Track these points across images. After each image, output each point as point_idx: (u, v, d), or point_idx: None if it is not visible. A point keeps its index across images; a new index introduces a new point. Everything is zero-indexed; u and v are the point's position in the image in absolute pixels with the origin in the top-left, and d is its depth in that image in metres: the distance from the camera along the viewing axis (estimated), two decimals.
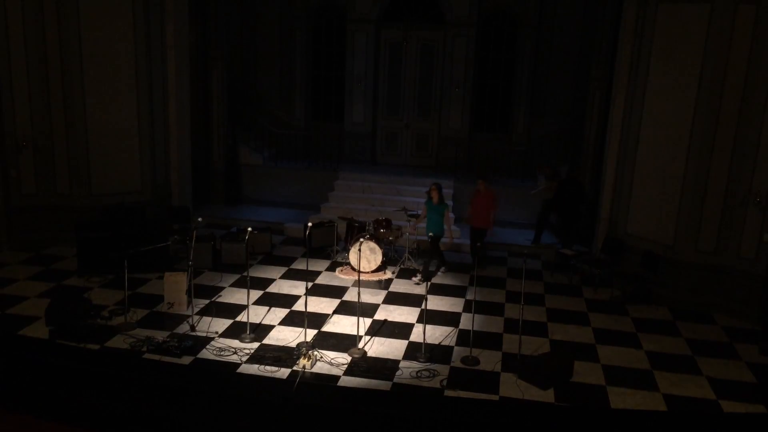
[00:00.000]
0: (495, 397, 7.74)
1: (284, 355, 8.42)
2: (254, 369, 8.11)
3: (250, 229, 9.38)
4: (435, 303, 10.35)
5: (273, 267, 11.81)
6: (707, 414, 7.65)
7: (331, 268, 11.85)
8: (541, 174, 13.80)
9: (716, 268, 10.54)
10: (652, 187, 11.32)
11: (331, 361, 8.34)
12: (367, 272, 11.35)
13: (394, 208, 13.25)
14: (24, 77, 11.73)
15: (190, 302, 9.55)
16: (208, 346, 8.61)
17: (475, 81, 15.75)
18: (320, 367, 8.21)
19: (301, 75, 16.61)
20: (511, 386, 7.97)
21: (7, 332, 8.80)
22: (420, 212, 12.43)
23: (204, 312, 9.67)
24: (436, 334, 9.28)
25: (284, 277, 11.38)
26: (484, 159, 15.62)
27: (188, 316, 9.32)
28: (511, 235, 13.62)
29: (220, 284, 10.84)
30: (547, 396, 7.80)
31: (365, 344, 8.90)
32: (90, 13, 11.87)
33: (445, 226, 11.53)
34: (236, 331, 9.11)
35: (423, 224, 11.84)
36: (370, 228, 12.07)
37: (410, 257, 12.16)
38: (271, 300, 10.32)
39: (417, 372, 8.19)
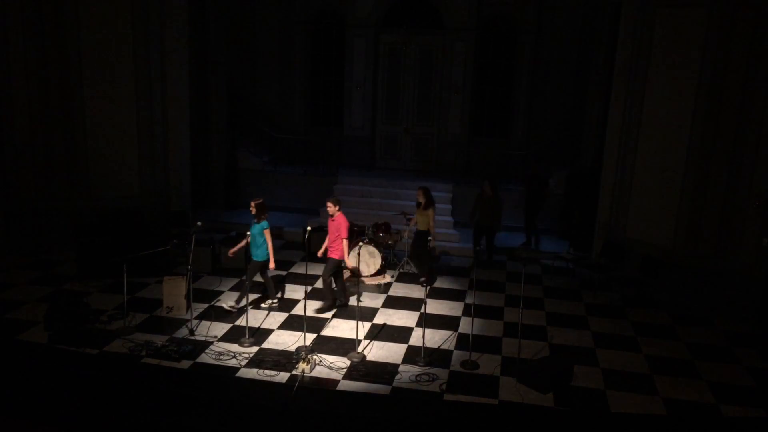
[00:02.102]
0: (494, 401, 7.72)
1: (283, 360, 8.40)
2: (253, 373, 8.10)
3: (249, 233, 9.36)
4: (434, 307, 10.33)
5: (272, 271, 11.79)
6: (707, 418, 7.64)
7: None
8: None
9: (715, 272, 10.53)
10: (651, 191, 11.32)
11: (331, 365, 8.33)
12: (367, 276, 11.35)
13: (393, 213, 13.26)
14: (23, 82, 11.74)
15: (189, 306, 9.53)
16: (207, 351, 8.59)
17: (474, 86, 15.78)
18: (319, 372, 8.20)
19: (300, 79, 16.64)
20: (511, 390, 7.95)
21: (6, 337, 8.78)
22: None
23: (203, 316, 9.66)
24: (435, 338, 9.27)
25: (283, 281, 11.37)
26: (483, 163, 15.65)
27: (187, 321, 9.31)
28: (511, 239, 13.61)
29: (219, 288, 10.83)
30: (547, 400, 7.78)
31: (364, 348, 8.88)
32: (89, 17, 11.90)
33: (269, 250, 9.67)
34: (235, 335, 9.10)
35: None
36: (370, 232, 12.07)
37: (409, 261, 12.15)
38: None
39: (416, 376, 8.18)
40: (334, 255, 9.85)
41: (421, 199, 11.20)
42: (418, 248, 11.43)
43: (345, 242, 9.76)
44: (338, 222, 9.79)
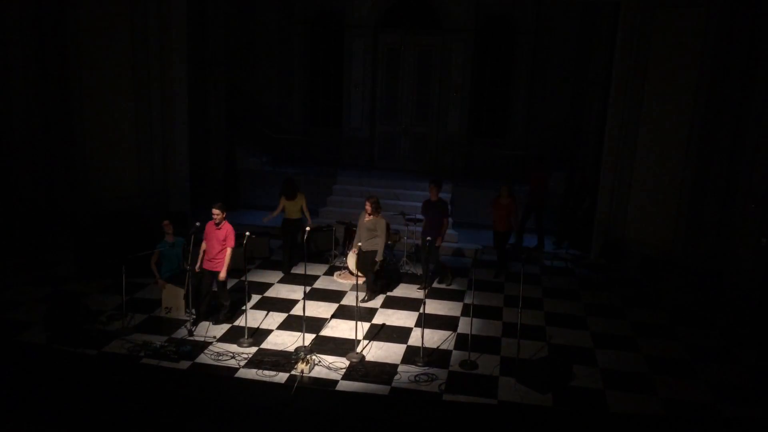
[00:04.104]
0: (493, 402, 7.72)
1: (282, 360, 8.40)
2: (252, 374, 8.09)
3: (248, 233, 9.35)
4: (433, 307, 10.33)
5: (271, 271, 11.79)
6: (705, 418, 7.64)
7: (330, 273, 11.84)
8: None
9: (714, 272, 10.54)
10: (650, 191, 11.34)
11: (330, 366, 8.33)
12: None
13: (392, 213, 13.24)
14: (21, 82, 11.73)
15: (188, 307, 9.51)
16: (205, 351, 8.59)
17: (473, 86, 15.78)
18: (318, 372, 8.19)
19: (299, 80, 16.64)
20: (510, 390, 7.95)
21: (5, 337, 8.77)
22: (419, 216, 12.44)
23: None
24: (434, 338, 9.27)
25: (282, 281, 11.37)
26: (481, 164, 15.65)
27: (186, 321, 9.30)
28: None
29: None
30: (546, 400, 7.78)
31: (363, 348, 8.88)
32: (88, 18, 11.90)
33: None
34: (234, 335, 9.09)
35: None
36: None
37: (408, 261, 12.15)
38: (269, 304, 10.30)
39: (415, 376, 8.17)
40: (219, 268, 9.17)
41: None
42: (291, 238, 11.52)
43: (230, 251, 9.11)
44: (225, 230, 9.12)
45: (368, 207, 10.22)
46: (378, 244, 10.14)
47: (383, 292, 10.87)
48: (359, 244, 10.25)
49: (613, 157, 11.97)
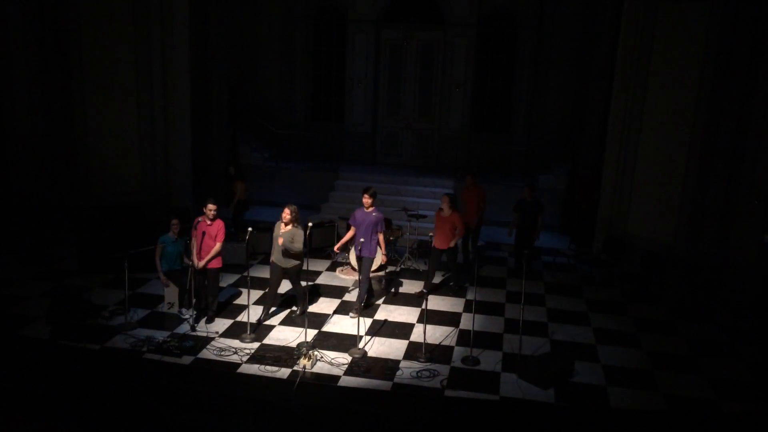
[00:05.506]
0: (495, 397, 7.73)
1: (284, 355, 8.41)
2: (254, 369, 8.11)
3: (250, 229, 9.35)
4: (435, 303, 10.34)
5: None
6: (707, 414, 7.64)
7: (332, 268, 11.85)
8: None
9: (716, 268, 10.53)
10: (652, 187, 11.32)
11: (332, 361, 8.34)
12: None
13: (394, 208, 13.26)
14: (24, 78, 11.74)
15: (191, 302, 9.52)
16: (208, 346, 8.61)
17: (475, 81, 15.76)
18: (320, 367, 8.21)
19: (301, 75, 16.63)
20: (512, 386, 7.96)
21: (8, 332, 8.80)
22: (421, 212, 12.44)
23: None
24: (436, 334, 9.28)
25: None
26: (484, 159, 15.64)
27: (185, 318, 9.31)
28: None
29: (220, 284, 10.80)
30: (548, 396, 7.79)
31: (365, 344, 8.89)
32: (90, 15, 11.89)
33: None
34: (236, 331, 9.11)
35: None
36: None
37: (410, 257, 12.16)
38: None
39: (417, 372, 8.18)
40: (215, 264, 9.20)
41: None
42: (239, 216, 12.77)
43: (218, 246, 9.08)
44: (218, 225, 9.09)
45: (285, 215, 8.99)
46: (297, 257, 9.18)
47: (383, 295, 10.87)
48: (272, 258, 9.23)
49: (616, 152, 11.96)
